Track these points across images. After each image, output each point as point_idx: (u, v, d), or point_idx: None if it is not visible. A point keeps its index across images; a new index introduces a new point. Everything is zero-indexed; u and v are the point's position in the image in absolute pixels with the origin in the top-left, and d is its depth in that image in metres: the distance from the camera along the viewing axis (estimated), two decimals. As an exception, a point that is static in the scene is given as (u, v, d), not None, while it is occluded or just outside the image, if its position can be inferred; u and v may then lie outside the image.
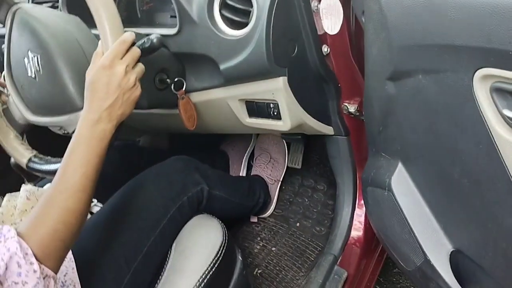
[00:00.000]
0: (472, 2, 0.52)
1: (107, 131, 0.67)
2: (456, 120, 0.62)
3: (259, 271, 1.22)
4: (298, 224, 1.34)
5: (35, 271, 0.57)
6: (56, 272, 0.61)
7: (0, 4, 0.84)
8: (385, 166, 0.83)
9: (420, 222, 0.77)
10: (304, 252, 1.24)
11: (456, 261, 0.74)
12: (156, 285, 0.82)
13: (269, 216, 1.37)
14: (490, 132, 0.56)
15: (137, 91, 0.70)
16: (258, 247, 1.30)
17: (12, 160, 0.97)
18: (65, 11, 0.99)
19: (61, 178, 0.64)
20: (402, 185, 0.79)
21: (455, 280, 0.75)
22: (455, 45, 0.56)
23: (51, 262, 0.60)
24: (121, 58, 0.68)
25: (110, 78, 0.67)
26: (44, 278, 0.58)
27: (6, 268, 0.55)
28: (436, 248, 0.76)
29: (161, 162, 0.97)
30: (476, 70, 0.54)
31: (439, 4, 0.57)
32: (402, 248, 0.83)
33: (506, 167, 0.55)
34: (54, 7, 1.05)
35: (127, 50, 0.69)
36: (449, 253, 0.75)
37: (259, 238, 1.33)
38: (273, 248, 1.28)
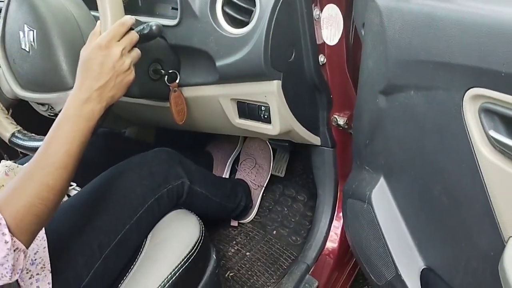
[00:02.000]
0: (471, 21, 0.54)
1: (96, 112, 0.67)
2: (442, 138, 0.63)
3: (231, 274, 1.21)
4: (275, 232, 1.33)
5: (6, 242, 0.56)
6: (27, 247, 0.60)
7: (1, -25, 0.84)
8: (367, 180, 0.84)
9: (396, 237, 0.78)
10: (278, 259, 1.24)
11: (426, 278, 0.75)
12: (127, 273, 0.81)
13: (247, 222, 1.37)
14: (475, 152, 0.57)
15: (131, 75, 0.70)
16: (232, 250, 1.29)
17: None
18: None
19: (44, 153, 0.63)
20: (382, 199, 0.80)
21: None
22: (450, 63, 0.57)
23: (24, 236, 0.59)
24: (119, 40, 0.68)
25: (104, 59, 0.66)
26: (14, 250, 0.57)
27: None
28: (408, 264, 0.77)
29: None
30: (467, 90, 0.56)
31: (439, 21, 0.58)
32: (375, 262, 0.83)
33: (486, 188, 0.56)
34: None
35: (125, 33, 0.69)
36: (421, 270, 0.76)
37: (234, 242, 1.32)
38: (248, 253, 1.28)
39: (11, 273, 0.57)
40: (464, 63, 0.55)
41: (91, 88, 0.66)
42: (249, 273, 1.21)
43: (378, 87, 0.73)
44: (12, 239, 0.56)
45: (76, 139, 0.64)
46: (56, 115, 0.86)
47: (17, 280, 0.64)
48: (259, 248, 1.29)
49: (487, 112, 0.54)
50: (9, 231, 0.56)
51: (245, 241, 1.32)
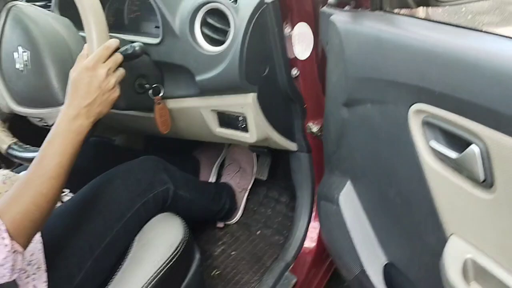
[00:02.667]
0: (411, 45, 0.61)
1: (84, 127, 0.74)
2: (394, 147, 0.71)
3: (217, 272, 1.28)
4: (259, 232, 1.41)
5: (6, 245, 0.63)
6: (24, 249, 0.67)
7: (-3, 1, 0.91)
8: (336, 183, 0.92)
9: (361, 235, 0.86)
10: (261, 258, 1.31)
11: (389, 273, 0.83)
12: (116, 272, 0.88)
13: (233, 223, 1.45)
14: (420, 160, 0.65)
15: (116, 93, 0.77)
16: (218, 250, 1.36)
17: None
18: (57, 12, 1.06)
19: (38, 164, 0.70)
20: (349, 201, 0.88)
21: None
22: (397, 81, 0.65)
23: (21, 239, 0.66)
24: (104, 62, 0.75)
25: (91, 79, 0.74)
26: (13, 252, 0.64)
27: None
28: (372, 259, 0.84)
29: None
30: (411, 105, 0.63)
31: (385, 45, 0.66)
32: (345, 259, 0.91)
33: (430, 191, 0.64)
34: (46, 6, 1.11)
35: (111, 55, 0.76)
36: (383, 265, 0.84)
37: (220, 242, 1.39)
38: (233, 253, 1.35)
39: (11, 273, 0.65)
40: (407, 82, 0.63)
41: (80, 106, 0.73)
42: (234, 271, 1.29)
43: (341, 99, 0.81)
44: (11, 242, 0.64)
45: (67, 152, 0.72)
46: (49, 126, 0.94)
47: (14, 280, 0.71)
48: (244, 247, 1.37)
49: (428, 124, 0.62)
50: (8, 235, 0.64)
51: (230, 241, 1.40)
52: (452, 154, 0.58)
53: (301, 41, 0.96)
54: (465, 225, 0.61)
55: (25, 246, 0.67)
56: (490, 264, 0.57)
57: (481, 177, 0.53)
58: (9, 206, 0.67)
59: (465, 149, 0.54)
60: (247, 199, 1.49)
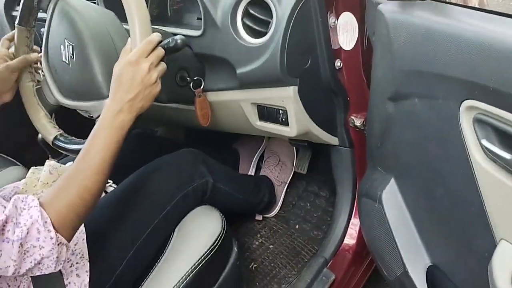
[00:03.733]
0: (464, 37, 0.58)
1: (127, 121, 0.75)
2: (442, 144, 0.67)
3: (255, 265, 1.28)
4: (297, 226, 1.39)
5: (51, 238, 0.65)
6: (69, 241, 0.69)
7: (44, -7, 0.93)
8: (379, 180, 0.89)
9: (404, 236, 0.83)
10: (299, 253, 1.30)
11: (432, 275, 0.79)
12: (156, 264, 0.90)
13: (271, 216, 1.44)
14: (470, 159, 0.61)
15: (157, 87, 0.77)
16: (257, 243, 1.36)
17: (40, 136, 1.06)
18: (102, 5, 1.07)
19: (83, 158, 0.72)
20: (392, 200, 0.84)
21: None
22: (447, 75, 0.62)
23: (66, 231, 0.68)
24: (147, 57, 0.75)
25: (134, 74, 0.74)
26: (58, 244, 0.66)
27: (28, 233, 0.63)
28: (415, 261, 0.81)
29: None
30: (462, 101, 0.60)
31: (437, 35, 0.63)
32: (386, 258, 0.88)
33: (480, 192, 0.60)
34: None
35: (153, 50, 0.76)
36: (427, 267, 0.80)
37: (259, 235, 1.39)
38: (271, 246, 1.35)
39: (55, 265, 0.67)
40: (458, 76, 0.59)
41: (122, 101, 0.74)
42: (272, 265, 1.28)
43: (387, 94, 0.78)
44: (56, 235, 0.65)
45: (111, 147, 0.73)
46: (94, 118, 0.96)
47: (59, 270, 0.73)
48: (282, 241, 1.36)
49: (480, 122, 0.58)
50: (54, 228, 0.65)
51: (268, 234, 1.39)
52: (506, 155, 0.54)
53: (346, 31, 0.93)
54: None
55: (69, 238, 0.69)
56: None
57: None
58: (55, 199, 0.68)
59: None
60: (286, 192, 1.47)
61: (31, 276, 0.74)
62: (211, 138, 1.51)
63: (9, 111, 1.02)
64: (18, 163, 1.40)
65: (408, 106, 0.73)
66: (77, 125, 1.01)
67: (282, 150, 1.45)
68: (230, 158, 1.47)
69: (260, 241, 1.37)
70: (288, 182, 1.44)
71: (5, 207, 0.63)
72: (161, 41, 0.79)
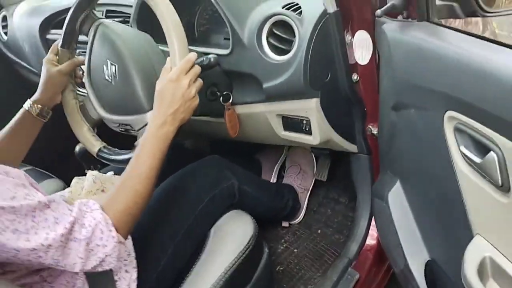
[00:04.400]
0: (447, 57, 0.65)
1: (170, 132, 0.83)
2: (433, 150, 0.74)
3: (281, 268, 1.35)
4: (319, 231, 1.46)
5: (113, 237, 0.73)
6: (125, 240, 0.77)
7: (85, 19, 1.03)
8: (388, 182, 0.97)
9: (406, 231, 0.90)
10: (323, 256, 1.37)
11: (430, 269, 0.86)
12: (195, 263, 0.97)
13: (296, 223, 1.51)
14: (453, 163, 0.68)
15: (196, 101, 0.86)
16: (281, 247, 1.43)
17: (77, 149, 1.15)
18: (135, 26, 1.17)
19: (133, 167, 0.81)
20: (397, 199, 0.93)
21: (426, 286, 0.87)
22: (434, 89, 0.69)
23: (123, 231, 0.76)
24: (186, 74, 0.84)
25: (175, 90, 0.83)
26: (119, 243, 0.74)
27: (92, 233, 0.72)
28: (416, 255, 0.88)
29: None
30: (445, 112, 0.67)
31: (425, 54, 0.70)
32: (392, 253, 0.95)
33: (461, 192, 0.67)
34: (124, 22, 1.23)
35: (191, 67, 0.85)
36: (426, 261, 0.87)
37: (283, 240, 1.46)
38: (295, 250, 1.42)
39: (115, 261, 0.75)
40: (442, 90, 0.66)
41: (166, 114, 0.83)
42: (297, 267, 1.35)
43: (390, 103, 0.86)
44: (117, 234, 0.74)
45: (157, 156, 0.82)
46: (126, 130, 1.06)
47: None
48: (306, 245, 1.43)
49: (459, 131, 0.65)
50: (114, 228, 0.74)
51: (292, 239, 1.46)
52: (477, 159, 0.61)
53: (361, 47, 1.01)
54: (487, 226, 0.65)
55: (126, 237, 0.77)
56: (507, 264, 0.60)
57: (499, 182, 0.57)
58: (112, 203, 0.77)
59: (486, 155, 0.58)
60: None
61: (85, 274, 0.82)
62: (235, 149, 1.60)
63: (45, 126, 1.11)
64: (53, 175, 1.49)
65: (406, 115, 0.81)
66: (117, 138, 1.10)
67: (303, 159, 1.52)
68: (252, 168, 1.55)
69: (284, 245, 1.44)
70: (310, 189, 1.51)
71: (71, 210, 0.72)
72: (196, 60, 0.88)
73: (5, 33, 1.63)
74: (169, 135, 0.83)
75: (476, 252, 0.65)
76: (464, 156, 0.65)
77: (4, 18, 1.64)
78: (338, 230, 1.43)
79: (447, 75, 0.64)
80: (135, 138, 0.98)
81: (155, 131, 0.83)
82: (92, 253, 0.72)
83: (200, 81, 0.87)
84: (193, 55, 0.86)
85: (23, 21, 1.51)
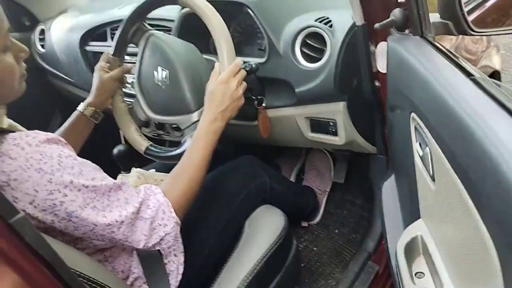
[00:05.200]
0: (416, 71, 0.74)
1: (219, 128, 0.94)
2: (407, 145, 0.84)
3: (302, 265, 1.44)
4: (336, 231, 1.56)
5: (173, 217, 0.83)
6: (181, 222, 0.87)
7: (137, 30, 1.15)
8: (388, 175, 1.08)
9: (390, 219, 1.02)
10: (341, 253, 1.46)
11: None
12: (232, 252, 1.06)
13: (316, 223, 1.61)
14: (414, 156, 0.79)
15: (242, 100, 0.97)
16: (301, 246, 1.52)
17: (115, 151, 1.25)
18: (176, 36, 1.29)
19: (189, 157, 0.91)
20: (389, 190, 1.06)
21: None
22: (406, 94, 0.80)
23: (179, 213, 0.86)
24: (234, 76, 0.95)
25: (225, 90, 0.94)
26: (177, 224, 0.84)
27: (156, 213, 0.81)
28: (395, 239, 0.97)
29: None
30: (410, 113, 0.78)
31: (405, 64, 0.80)
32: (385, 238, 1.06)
33: (416, 183, 0.78)
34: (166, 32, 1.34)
35: (238, 71, 0.97)
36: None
37: (303, 239, 1.56)
38: (314, 248, 1.51)
39: (173, 241, 0.84)
40: (409, 96, 0.78)
41: (216, 111, 0.94)
42: (318, 263, 1.44)
43: (388, 104, 0.97)
44: (176, 216, 0.83)
45: (208, 147, 0.92)
46: (159, 135, 1.16)
47: (159, 250, 0.90)
48: (324, 244, 1.52)
49: (416, 129, 0.76)
50: (174, 210, 0.84)
51: (311, 238, 1.55)
52: (421, 153, 0.73)
53: (382, 57, 1.12)
54: (426, 211, 0.75)
55: (181, 220, 0.87)
56: (431, 243, 0.71)
57: (430, 172, 0.68)
58: (171, 188, 0.87)
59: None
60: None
61: (139, 256, 0.91)
62: (257, 153, 1.70)
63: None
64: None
65: (396, 115, 0.92)
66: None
67: (321, 163, 1.63)
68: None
69: (304, 244, 1.53)
70: (328, 191, 1.61)
71: (138, 193, 0.82)
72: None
73: (42, 46, 1.75)
74: (219, 130, 0.94)
75: (410, 232, 0.77)
76: (417, 150, 0.76)
77: (42, 32, 1.75)
78: (354, 230, 1.53)
79: (414, 84, 0.75)
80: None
81: (207, 126, 0.93)
82: (155, 231, 0.82)
83: (245, 83, 0.99)
84: (239, 61, 0.97)
85: (62, 34, 1.63)
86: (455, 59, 0.70)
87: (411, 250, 0.76)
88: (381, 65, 1.14)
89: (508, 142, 0.45)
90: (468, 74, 0.63)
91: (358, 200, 1.63)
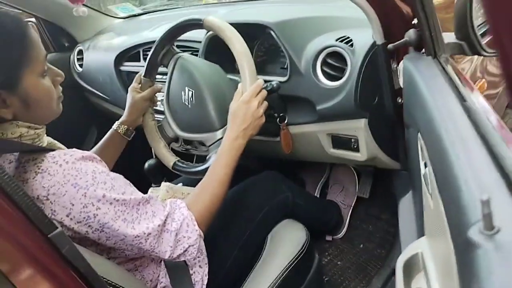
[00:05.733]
0: (419, 92, 0.76)
1: (241, 145, 0.99)
2: (418, 163, 0.85)
3: (326, 279, 1.45)
4: (361, 246, 1.56)
5: (196, 230, 0.87)
6: (204, 235, 0.91)
7: (166, 53, 1.21)
8: (407, 190, 1.12)
9: (406, 231, 1.03)
10: (365, 268, 1.47)
11: None
12: (255, 264, 1.10)
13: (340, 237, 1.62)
14: (420, 174, 0.80)
15: (263, 119, 1.02)
16: (326, 260, 1.54)
17: (146, 165, 1.32)
18: (203, 58, 1.35)
19: (212, 173, 0.96)
20: (405, 205, 1.09)
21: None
22: (411, 112, 0.82)
23: (202, 226, 0.90)
24: (255, 97, 1.00)
25: (247, 110, 0.99)
26: (200, 236, 0.88)
27: (181, 226, 0.86)
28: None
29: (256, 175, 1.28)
30: (418, 132, 0.78)
31: (411, 82, 0.83)
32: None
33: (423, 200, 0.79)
34: (192, 54, 1.41)
35: (259, 91, 1.01)
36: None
37: (327, 253, 1.57)
38: (339, 262, 1.52)
39: (196, 252, 0.89)
40: (415, 116, 0.79)
41: (238, 130, 0.98)
42: (342, 278, 1.45)
43: (404, 121, 0.99)
44: (199, 229, 0.88)
45: (230, 164, 0.97)
46: (187, 150, 1.21)
47: (185, 261, 0.95)
48: (348, 258, 1.53)
49: (421, 148, 0.78)
50: (197, 223, 0.88)
51: (335, 253, 1.57)
52: (423, 171, 0.74)
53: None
54: (428, 228, 0.75)
55: (204, 233, 0.92)
56: (429, 260, 0.69)
57: (430, 191, 0.67)
58: (195, 203, 0.92)
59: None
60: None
61: (166, 266, 0.96)
62: (281, 168, 1.73)
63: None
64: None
65: (410, 132, 0.93)
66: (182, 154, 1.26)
67: (345, 177, 1.65)
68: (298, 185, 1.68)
69: (328, 258, 1.55)
70: (352, 205, 1.62)
71: (164, 206, 0.87)
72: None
73: (80, 65, 1.86)
74: (241, 147, 0.98)
75: (412, 248, 0.76)
76: (421, 169, 0.77)
77: (80, 52, 1.87)
78: (380, 245, 1.53)
79: (417, 104, 0.76)
80: None
81: (230, 144, 0.98)
82: (179, 243, 0.86)
83: (266, 103, 1.03)
84: (261, 81, 1.02)
85: (98, 55, 1.73)
86: (458, 81, 0.71)
87: (411, 266, 0.77)
88: (402, 82, 1.16)
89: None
90: (462, 99, 0.64)
91: (383, 215, 1.63)
